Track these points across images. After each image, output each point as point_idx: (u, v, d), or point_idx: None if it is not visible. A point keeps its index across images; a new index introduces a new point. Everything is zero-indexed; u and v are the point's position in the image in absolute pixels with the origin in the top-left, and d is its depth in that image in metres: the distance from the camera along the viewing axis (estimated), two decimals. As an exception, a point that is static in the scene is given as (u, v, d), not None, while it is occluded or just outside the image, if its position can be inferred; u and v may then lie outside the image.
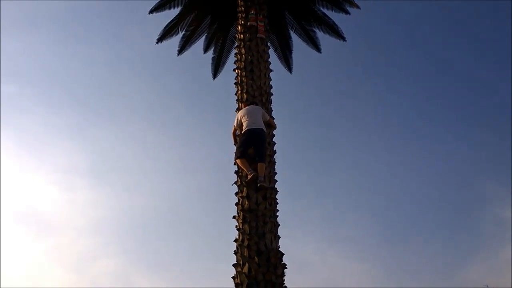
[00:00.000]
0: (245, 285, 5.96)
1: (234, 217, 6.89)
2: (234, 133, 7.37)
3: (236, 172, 7.23)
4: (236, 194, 7.02)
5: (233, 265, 6.41)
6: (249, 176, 6.55)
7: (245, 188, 6.79)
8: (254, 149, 6.82)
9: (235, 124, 7.27)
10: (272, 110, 7.88)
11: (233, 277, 6.31)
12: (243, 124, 6.96)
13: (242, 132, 6.94)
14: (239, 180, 7.07)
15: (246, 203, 6.64)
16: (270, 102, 7.96)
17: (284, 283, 6.15)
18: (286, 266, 6.28)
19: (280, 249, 6.44)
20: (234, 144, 7.35)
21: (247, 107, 7.30)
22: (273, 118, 7.78)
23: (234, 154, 6.96)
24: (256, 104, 7.54)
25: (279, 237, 6.59)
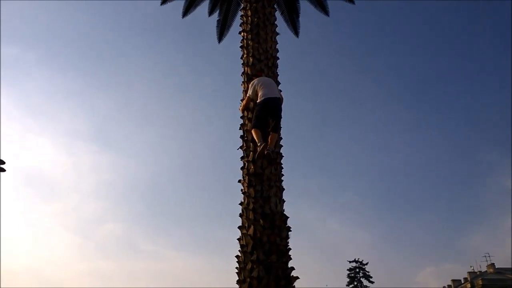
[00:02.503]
0: (250, 246, 6.12)
1: (239, 181, 6.98)
2: (246, 103, 7.14)
3: (241, 137, 7.28)
4: (242, 158, 7.08)
5: (239, 227, 6.55)
6: (259, 148, 6.33)
7: (251, 152, 6.85)
8: (272, 119, 6.53)
9: (250, 93, 6.88)
10: (278, 75, 7.82)
11: (238, 239, 6.46)
12: (259, 92, 6.61)
13: (259, 101, 6.59)
14: (244, 145, 7.12)
15: (252, 167, 6.71)
16: (276, 67, 7.89)
17: (288, 245, 6.30)
18: (291, 229, 6.43)
19: (284, 213, 6.56)
20: (241, 117, 7.36)
21: (262, 77, 7.02)
22: (279, 83, 7.74)
23: (251, 122, 6.71)
24: (263, 70, 7.50)
25: (284, 201, 6.71)
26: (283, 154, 7.06)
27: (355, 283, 37.67)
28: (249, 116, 7.15)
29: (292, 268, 6.11)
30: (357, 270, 38.17)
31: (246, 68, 7.78)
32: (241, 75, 7.91)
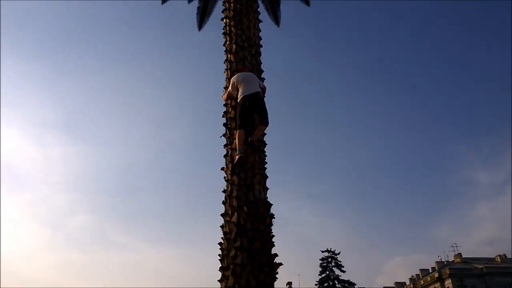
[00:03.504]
0: (234, 233, 6.11)
1: (222, 168, 6.95)
2: (227, 95, 7.09)
3: (224, 125, 7.23)
4: (225, 146, 7.04)
5: (222, 214, 6.53)
6: (236, 157, 6.31)
7: (234, 140, 6.81)
8: (256, 114, 6.53)
9: (230, 88, 6.86)
10: (261, 63, 7.79)
11: (221, 226, 6.44)
12: (239, 91, 6.56)
13: (239, 100, 6.54)
14: (228, 132, 7.08)
15: (235, 155, 6.67)
16: (260, 54, 7.85)
17: (272, 232, 6.32)
18: (274, 216, 6.45)
19: (268, 200, 6.57)
20: (224, 104, 7.31)
21: (242, 73, 6.93)
22: (263, 71, 7.71)
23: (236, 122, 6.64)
24: (246, 58, 7.46)
25: (267, 189, 6.71)
26: (266, 142, 7.05)
27: (327, 272, 38.24)
28: (232, 103, 7.10)
29: (276, 255, 6.14)
30: (329, 259, 38.75)
31: (229, 55, 7.71)
32: (224, 62, 7.84)
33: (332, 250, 38.79)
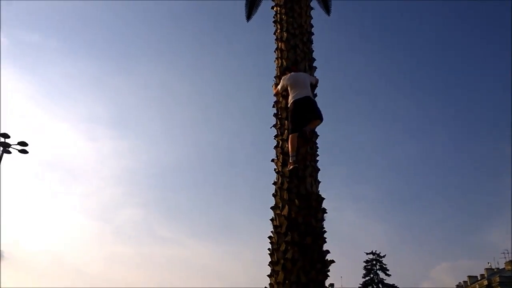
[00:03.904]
0: (284, 227, 5.84)
1: (272, 160, 6.69)
2: (277, 91, 6.97)
3: (275, 115, 6.97)
4: (276, 137, 6.78)
5: (272, 207, 6.27)
6: (290, 166, 6.12)
7: (285, 130, 6.54)
8: (308, 115, 6.36)
9: (279, 88, 6.81)
10: (313, 51, 7.45)
11: (271, 219, 6.18)
12: (290, 95, 6.51)
13: (289, 105, 6.47)
14: (278, 123, 6.81)
15: (286, 146, 6.40)
16: (311, 42, 7.52)
17: (324, 228, 6.00)
18: (326, 211, 6.12)
19: (320, 194, 6.26)
20: (274, 95, 7.10)
21: (292, 73, 6.76)
22: (314, 60, 7.39)
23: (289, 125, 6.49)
24: (298, 46, 7.18)
25: (319, 182, 6.39)
26: (318, 134, 6.71)
27: (372, 275, 37.28)
28: (283, 93, 6.82)
29: (328, 252, 5.82)
30: (374, 262, 37.74)
31: (279, 44, 7.43)
32: (274, 51, 7.57)
33: (377, 252, 37.77)
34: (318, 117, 6.45)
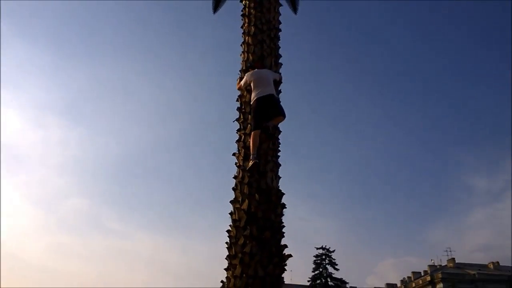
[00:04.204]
0: (243, 221, 5.87)
1: (234, 154, 6.70)
2: (239, 87, 7.02)
3: (238, 109, 6.98)
4: (238, 131, 6.79)
5: (231, 201, 6.29)
6: (250, 162, 6.12)
7: (248, 125, 6.57)
8: (271, 113, 6.46)
9: (242, 83, 6.86)
10: (279, 47, 7.49)
11: (230, 213, 6.21)
12: (252, 91, 6.55)
13: (252, 102, 6.52)
14: (241, 117, 6.82)
15: (249, 140, 6.43)
16: (278, 38, 7.55)
17: (283, 223, 6.08)
18: (286, 206, 6.20)
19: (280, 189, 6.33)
20: (238, 89, 7.12)
21: (256, 70, 6.79)
22: (280, 56, 7.43)
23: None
24: (265, 41, 7.20)
25: (280, 177, 6.46)
26: (281, 130, 6.79)
27: (321, 269, 38.15)
28: (247, 88, 6.84)
29: (285, 246, 5.91)
30: (323, 257, 38.62)
31: (247, 38, 7.42)
32: (241, 45, 7.55)
33: (327, 247, 38.66)
34: (281, 114, 6.58)
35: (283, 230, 6.06)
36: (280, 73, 7.18)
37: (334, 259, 38.38)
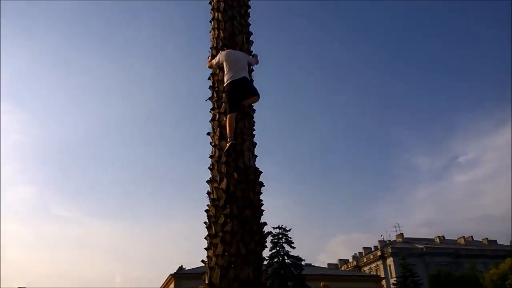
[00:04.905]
0: (222, 200, 5.82)
1: (208, 133, 6.60)
2: (211, 65, 6.89)
3: (211, 87, 6.85)
4: (212, 110, 6.67)
5: (208, 181, 6.22)
6: (227, 144, 6.03)
7: (223, 104, 6.47)
8: (246, 93, 6.42)
9: (213, 62, 6.76)
10: (250, 24, 7.34)
11: (208, 193, 6.13)
12: (226, 73, 6.43)
13: (225, 85, 6.41)
14: (215, 96, 6.71)
15: (224, 119, 6.35)
16: (249, 16, 7.39)
17: (262, 201, 6.08)
18: (264, 184, 6.19)
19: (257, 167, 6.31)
20: (209, 67, 6.97)
21: (231, 51, 6.66)
22: (251, 33, 7.32)
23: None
24: (235, 17, 7.06)
25: (256, 156, 6.44)
26: (255, 109, 6.74)
27: (278, 248, 38.78)
28: (219, 66, 6.72)
29: (265, 223, 5.92)
30: (280, 236, 39.23)
31: (216, 14, 7.22)
32: (210, 22, 7.35)
33: (284, 227, 39.30)
34: (255, 94, 6.56)
35: (262, 208, 6.06)
36: (257, 56, 7.08)
37: (290, 238, 39.13)
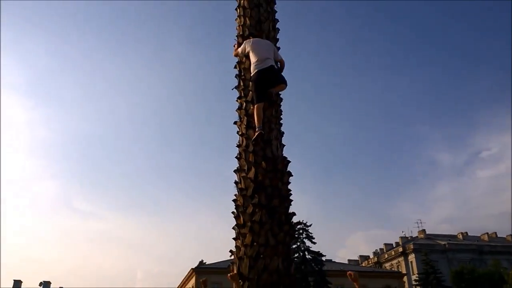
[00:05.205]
0: (251, 189, 5.72)
1: (235, 122, 6.50)
2: (236, 54, 6.76)
3: (238, 76, 6.74)
4: (239, 98, 6.56)
5: (235, 170, 6.13)
6: (256, 133, 5.87)
7: (250, 92, 6.36)
8: (274, 81, 6.21)
9: (239, 50, 6.59)
10: (276, 11, 7.21)
11: (235, 182, 6.04)
12: (253, 62, 6.23)
13: (252, 75, 6.24)
14: (242, 84, 6.59)
15: (251, 107, 6.24)
16: (274, 2, 7.26)
17: (290, 191, 5.95)
18: (292, 174, 6.07)
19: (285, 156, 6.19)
20: (235, 56, 6.84)
21: (257, 39, 6.51)
22: (277, 21, 7.17)
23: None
24: (261, 5, 6.92)
25: (284, 145, 6.31)
26: (282, 98, 6.61)
27: (298, 243, 38.59)
28: (246, 55, 6.59)
29: (294, 214, 5.80)
30: (301, 231, 39.03)
31: (242, 1, 7.10)
32: (236, 9, 7.22)
33: (304, 222, 39.08)
34: (283, 82, 6.37)
35: (290, 198, 5.94)
36: (283, 61, 6.68)
37: (311, 233, 38.90)
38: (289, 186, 5.99)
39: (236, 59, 6.85)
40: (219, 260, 40.74)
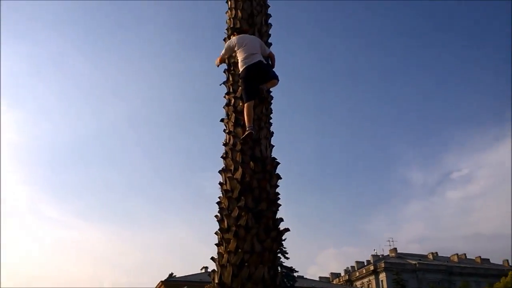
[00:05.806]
0: (237, 191, 5.26)
1: (222, 120, 6.06)
2: (221, 60, 6.32)
3: (226, 71, 6.32)
4: (227, 94, 6.13)
5: (220, 171, 5.67)
6: (246, 132, 5.46)
7: (239, 88, 5.93)
8: (264, 77, 5.88)
9: (223, 52, 6.18)
10: (269, 6, 6.84)
11: (220, 183, 5.57)
12: (240, 58, 5.85)
13: (240, 72, 5.85)
14: (231, 79, 6.17)
15: (240, 104, 5.81)
16: (267, -1, 6.91)
17: (279, 194, 5.52)
18: (281, 177, 5.64)
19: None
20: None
21: (243, 35, 6.12)
22: (270, 16, 6.80)
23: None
24: None
25: (273, 146, 5.89)
26: (273, 96, 6.20)
27: (271, 258, 38.06)
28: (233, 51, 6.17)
29: (281, 219, 5.35)
30: (274, 246, 38.53)
31: (232, -5, 6.71)
32: (226, 2, 6.85)
33: (278, 236, 38.61)
34: (274, 77, 6.01)
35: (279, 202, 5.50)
36: (273, 55, 6.34)
37: (285, 248, 38.36)
38: (277, 190, 5.56)
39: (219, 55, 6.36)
40: (188, 274, 39.85)
